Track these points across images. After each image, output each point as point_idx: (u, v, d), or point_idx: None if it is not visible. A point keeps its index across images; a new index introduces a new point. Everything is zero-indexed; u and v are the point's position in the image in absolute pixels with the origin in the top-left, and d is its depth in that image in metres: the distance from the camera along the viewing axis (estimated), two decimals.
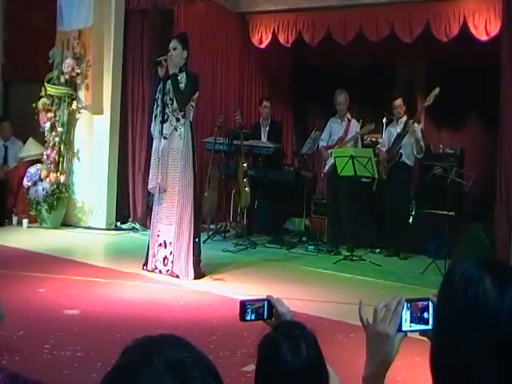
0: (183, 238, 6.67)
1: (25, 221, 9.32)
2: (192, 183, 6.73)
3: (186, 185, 6.68)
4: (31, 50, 10.17)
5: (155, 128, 6.78)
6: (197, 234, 6.87)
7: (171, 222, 6.72)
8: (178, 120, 6.68)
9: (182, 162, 6.66)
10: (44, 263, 6.96)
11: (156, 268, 6.82)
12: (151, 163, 6.85)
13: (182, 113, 6.68)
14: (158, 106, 6.75)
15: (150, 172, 6.85)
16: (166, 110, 6.69)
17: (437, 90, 8.03)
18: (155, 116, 6.77)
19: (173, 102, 6.68)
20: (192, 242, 6.70)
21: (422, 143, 8.48)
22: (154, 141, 6.82)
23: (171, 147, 6.68)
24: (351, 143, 8.77)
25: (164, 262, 6.77)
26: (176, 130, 6.67)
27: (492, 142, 8.22)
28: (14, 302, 5.33)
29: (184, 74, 6.74)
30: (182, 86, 6.67)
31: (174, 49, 6.73)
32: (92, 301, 5.61)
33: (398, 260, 8.38)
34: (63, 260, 7.25)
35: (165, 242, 6.78)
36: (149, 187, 6.95)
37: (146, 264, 6.90)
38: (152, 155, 6.87)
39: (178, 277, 6.64)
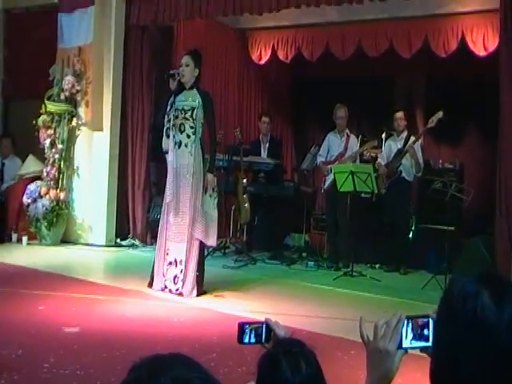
0: (193, 256, 6.57)
1: (24, 238, 9.30)
2: (202, 200, 6.60)
3: (196, 202, 6.57)
4: (31, 67, 10.22)
5: (167, 142, 6.67)
6: (203, 252, 6.84)
7: (182, 239, 6.58)
8: (188, 136, 6.57)
9: (191, 178, 6.56)
10: (44, 280, 6.94)
11: (166, 287, 6.67)
12: (168, 177, 6.69)
13: (193, 129, 6.57)
14: (169, 119, 6.62)
15: (167, 185, 6.69)
16: (182, 121, 6.56)
17: (440, 113, 8.01)
18: (167, 129, 6.65)
19: (185, 114, 6.59)
20: (199, 260, 6.63)
21: (421, 161, 8.50)
22: (169, 154, 6.65)
23: (181, 163, 6.59)
24: (351, 159, 8.78)
25: (174, 281, 6.62)
26: (186, 146, 6.57)
27: (491, 156, 8.23)
28: (13, 319, 5.32)
29: (196, 92, 6.65)
30: (195, 103, 6.56)
31: (187, 65, 6.63)
32: (92, 318, 5.58)
33: (397, 275, 8.35)
34: (63, 277, 7.21)
35: (175, 261, 6.63)
36: (167, 201, 6.70)
37: (151, 283, 6.77)
38: (168, 169, 6.71)
39: (181, 294, 6.56)
